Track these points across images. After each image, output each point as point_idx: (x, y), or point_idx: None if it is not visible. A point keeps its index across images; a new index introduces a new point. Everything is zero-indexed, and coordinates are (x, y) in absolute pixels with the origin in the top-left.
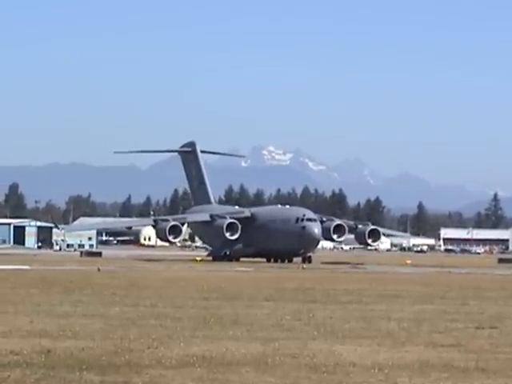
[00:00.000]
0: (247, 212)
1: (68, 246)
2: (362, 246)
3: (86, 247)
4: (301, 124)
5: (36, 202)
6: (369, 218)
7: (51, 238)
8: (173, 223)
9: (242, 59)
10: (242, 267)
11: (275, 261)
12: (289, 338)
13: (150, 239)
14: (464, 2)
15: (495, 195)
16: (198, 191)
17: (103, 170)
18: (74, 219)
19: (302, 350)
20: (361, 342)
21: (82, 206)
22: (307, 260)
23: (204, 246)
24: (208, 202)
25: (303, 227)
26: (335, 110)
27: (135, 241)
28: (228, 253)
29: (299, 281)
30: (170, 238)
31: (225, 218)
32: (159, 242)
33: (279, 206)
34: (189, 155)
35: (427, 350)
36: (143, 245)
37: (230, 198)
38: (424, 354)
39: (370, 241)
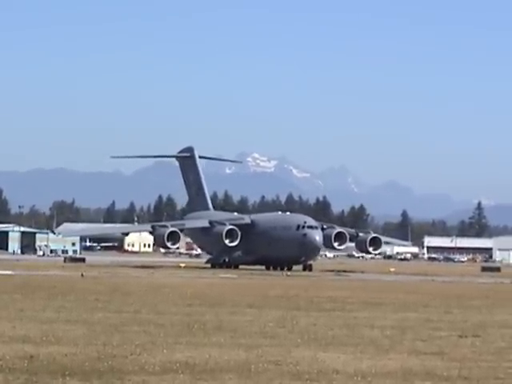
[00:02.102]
0: (247, 219)
1: (51, 251)
2: (345, 254)
3: (70, 253)
4: (286, 131)
5: (20, 207)
6: (352, 226)
7: (34, 243)
8: (171, 229)
9: (226, 65)
10: (227, 274)
11: (275, 268)
12: (272, 345)
13: (133, 245)
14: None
15: (479, 204)
16: (196, 197)
17: (87, 176)
18: (58, 225)
19: (285, 357)
20: (344, 349)
21: (65, 212)
22: (308, 268)
23: (187, 252)
24: (206, 208)
25: (304, 234)
26: (320, 118)
27: (119, 247)
28: (227, 260)
29: (283, 288)
30: (169, 244)
31: (224, 224)
32: (143, 248)
33: (279, 212)
34: (187, 161)
35: (410, 358)
36: (127, 251)
37: (214, 205)
38: (407, 361)
39: (371, 249)
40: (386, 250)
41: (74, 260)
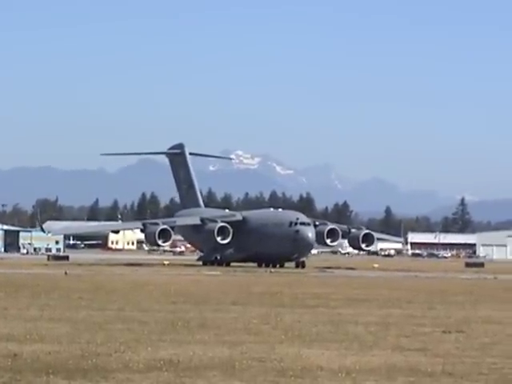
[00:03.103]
0: (239, 215)
1: (35, 249)
2: (328, 250)
3: (53, 251)
4: (269, 128)
5: (3, 205)
6: (336, 223)
7: (18, 241)
8: (162, 227)
9: (210, 63)
10: (211, 271)
11: (267, 265)
12: (256, 342)
13: (117, 243)
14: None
15: (462, 200)
16: (186, 194)
17: (71, 174)
18: (42, 223)
19: (269, 354)
20: (328, 345)
21: (49, 210)
22: (301, 265)
23: (171, 250)
24: (197, 205)
25: (297, 231)
26: (304, 115)
27: (103, 245)
28: (219, 257)
29: (267, 285)
30: (160, 241)
31: (216, 221)
32: (126, 246)
33: (271, 209)
34: (177, 157)
35: (394, 354)
36: (111, 248)
37: None
38: (391, 357)
39: (363, 245)
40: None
41: (57, 258)
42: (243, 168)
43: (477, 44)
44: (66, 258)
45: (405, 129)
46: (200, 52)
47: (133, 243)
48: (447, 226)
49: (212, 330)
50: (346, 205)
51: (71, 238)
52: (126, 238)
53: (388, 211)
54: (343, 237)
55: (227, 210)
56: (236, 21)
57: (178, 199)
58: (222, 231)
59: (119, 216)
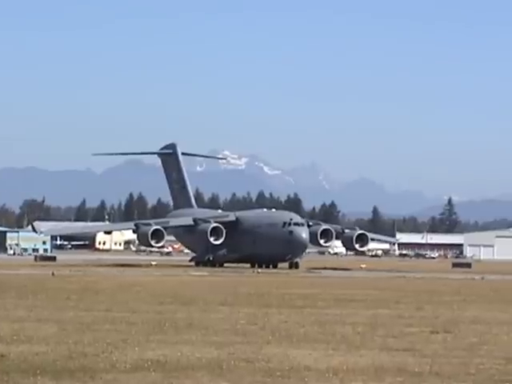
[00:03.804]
0: (232, 216)
1: (23, 250)
2: (316, 251)
3: (41, 251)
4: (256, 129)
5: None
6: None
7: (5, 242)
8: (155, 227)
9: (196, 62)
10: (198, 271)
11: (260, 266)
12: (244, 343)
13: (104, 243)
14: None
15: (449, 200)
16: (179, 195)
17: (58, 175)
18: (29, 223)
19: (256, 355)
20: (315, 346)
21: (36, 211)
22: (294, 265)
23: (158, 250)
24: (190, 205)
25: (290, 232)
26: (291, 115)
27: (90, 245)
28: (212, 258)
29: (254, 285)
30: (153, 242)
31: (209, 222)
32: (114, 247)
33: (265, 209)
34: (169, 158)
35: (382, 355)
36: (98, 249)
37: None
38: (378, 358)
39: (357, 246)
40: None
41: (44, 259)
42: (230, 168)
43: (462, 45)
44: (54, 258)
45: (391, 129)
46: (188, 53)
47: (120, 244)
48: (434, 227)
49: (199, 331)
50: (333, 205)
51: (58, 239)
52: (114, 238)
53: (375, 212)
54: (337, 237)
55: (220, 211)
56: (223, 22)
57: (165, 199)
58: (215, 232)
59: (106, 216)
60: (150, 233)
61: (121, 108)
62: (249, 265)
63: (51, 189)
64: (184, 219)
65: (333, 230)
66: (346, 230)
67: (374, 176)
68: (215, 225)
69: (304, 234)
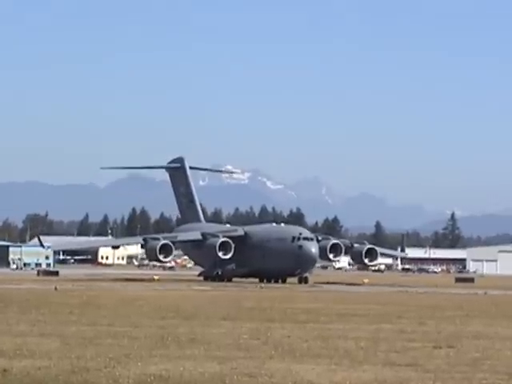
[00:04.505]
0: (240, 230)
1: (25, 264)
2: (319, 265)
3: (43, 266)
4: (259, 143)
5: None
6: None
7: (8, 256)
8: (163, 242)
9: (198, 76)
10: (201, 286)
11: (269, 281)
12: (246, 358)
13: (107, 258)
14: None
15: (452, 215)
16: (187, 209)
17: (61, 189)
18: (31, 238)
19: (259, 369)
20: (318, 361)
21: (39, 225)
22: (304, 280)
23: (161, 265)
24: (198, 220)
25: (300, 246)
26: (293, 129)
27: (92, 260)
28: (220, 273)
29: (257, 300)
30: (161, 257)
31: (217, 236)
32: (116, 261)
33: (274, 224)
34: (177, 172)
35: (384, 370)
36: (101, 264)
37: None
38: (381, 373)
39: (366, 260)
40: None
41: (47, 273)
42: (233, 183)
43: (464, 59)
44: (56, 273)
45: (392, 143)
46: (190, 66)
47: (123, 258)
48: (437, 241)
49: (202, 346)
50: (336, 220)
51: (61, 253)
52: (116, 253)
53: (378, 226)
54: (346, 252)
55: (228, 225)
56: (223, 37)
57: (167, 214)
58: (224, 246)
59: (109, 231)
60: (158, 247)
61: (123, 122)
62: (257, 279)
63: (54, 203)
64: (192, 234)
65: (342, 245)
66: (355, 245)
67: (376, 190)
68: (224, 239)
69: (313, 248)
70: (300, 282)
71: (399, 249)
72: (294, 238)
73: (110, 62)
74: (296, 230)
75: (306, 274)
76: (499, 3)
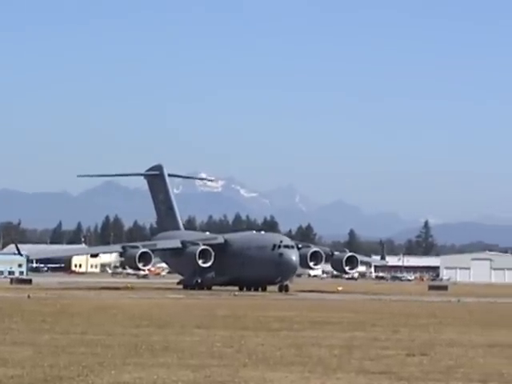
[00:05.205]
0: (220, 238)
1: None
2: None
3: (17, 274)
4: (233, 151)
5: None
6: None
7: None
8: (142, 250)
9: (176, 85)
10: (174, 294)
11: (248, 289)
12: (220, 366)
13: (80, 266)
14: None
15: (426, 222)
16: (166, 216)
17: (34, 197)
18: (4, 246)
19: (233, 377)
20: (292, 369)
21: (11, 233)
22: (284, 289)
23: (135, 273)
24: (177, 227)
25: (280, 254)
26: (267, 138)
27: (66, 268)
28: (200, 281)
29: (231, 308)
30: (140, 265)
31: (197, 244)
32: (89, 269)
33: (254, 232)
34: (155, 179)
35: (358, 377)
36: (74, 272)
37: None
38: (355, 381)
39: (347, 268)
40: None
41: (20, 281)
42: (207, 191)
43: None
44: (29, 281)
45: (367, 151)
46: (163, 73)
47: (96, 266)
48: (411, 249)
49: (176, 354)
50: (310, 228)
51: (34, 262)
52: (90, 261)
53: (352, 234)
54: (326, 260)
55: (208, 233)
56: (201, 44)
57: (141, 222)
58: (204, 254)
59: (83, 239)
60: (137, 255)
61: (95, 130)
62: (237, 288)
63: (27, 211)
64: (172, 242)
65: (322, 253)
66: (336, 253)
67: (350, 198)
68: (204, 247)
69: (294, 256)
70: (280, 290)
71: (379, 257)
72: (274, 245)
73: (82, 68)
74: (277, 237)
75: (287, 282)
76: None
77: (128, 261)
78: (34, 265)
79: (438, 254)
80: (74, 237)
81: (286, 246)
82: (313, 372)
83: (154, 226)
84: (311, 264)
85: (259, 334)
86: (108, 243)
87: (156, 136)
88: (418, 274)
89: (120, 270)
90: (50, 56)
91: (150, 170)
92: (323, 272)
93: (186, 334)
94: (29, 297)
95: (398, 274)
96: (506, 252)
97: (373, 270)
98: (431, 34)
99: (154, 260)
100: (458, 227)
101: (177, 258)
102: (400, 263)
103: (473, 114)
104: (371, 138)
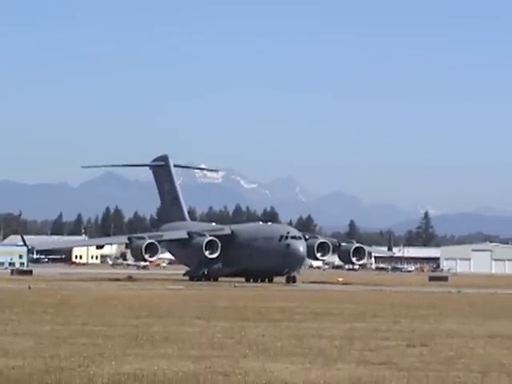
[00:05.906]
0: (227, 229)
1: None
2: None
3: (17, 265)
4: (233, 142)
5: None
6: None
7: None
8: (149, 241)
9: (176, 75)
10: (175, 285)
11: (255, 281)
12: (221, 356)
13: (81, 257)
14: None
15: (426, 213)
16: (171, 206)
17: (34, 188)
18: (5, 237)
19: (233, 368)
20: (293, 359)
21: (12, 224)
22: (292, 279)
23: (135, 264)
24: (183, 218)
25: (287, 245)
26: (267, 128)
27: (66, 259)
28: (206, 272)
29: (231, 299)
30: (147, 256)
31: (204, 235)
32: (90, 260)
33: (260, 223)
34: (161, 170)
35: (359, 368)
36: (74, 263)
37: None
38: (355, 371)
39: (354, 259)
40: (335, 260)
41: (21, 272)
42: (207, 182)
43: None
44: (30, 272)
45: (366, 142)
46: (162, 64)
47: (96, 257)
48: (411, 240)
49: (176, 344)
50: (310, 218)
51: (35, 253)
52: (90, 252)
53: (352, 225)
54: (333, 251)
55: (214, 224)
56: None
57: (141, 213)
58: (211, 245)
59: (83, 230)
60: (143, 247)
61: (95, 122)
62: (243, 279)
63: (27, 202)
64: (178, 232)
65: (330, 244)
66: (343, 244)
67: (350, 189)
68: (210, 238)
69: (301, 247)
70: (288, 281)
71: (386, 248)
72: (281, 236)
73: (82, 60)
74: (284, 228)
75: (294, 273)
76: None
77: (134, 252)
78: (35, 256)
79: (438, 245)
80: (75, 228)
81: (294, 237)
82: (313, 363)
83: (155, 217)
84: (318, 255)
85: (260, 325)
86: (108, 234)
87: (156, 129)
88: (418, 265)
89: (120, 261)
90: (50, 51)
91: (156, 160)
92: (324, 263)
93: (187, 325)
94: (29, 288)
95: (399, 265)
96: (506, 243)
97: (373, 260)
98: (430, 32)
99: (160, 251)
100: (457, 218)
101: (183, 248)
102: (400, 254)
103: (470, 107)
104: (371, 131)
